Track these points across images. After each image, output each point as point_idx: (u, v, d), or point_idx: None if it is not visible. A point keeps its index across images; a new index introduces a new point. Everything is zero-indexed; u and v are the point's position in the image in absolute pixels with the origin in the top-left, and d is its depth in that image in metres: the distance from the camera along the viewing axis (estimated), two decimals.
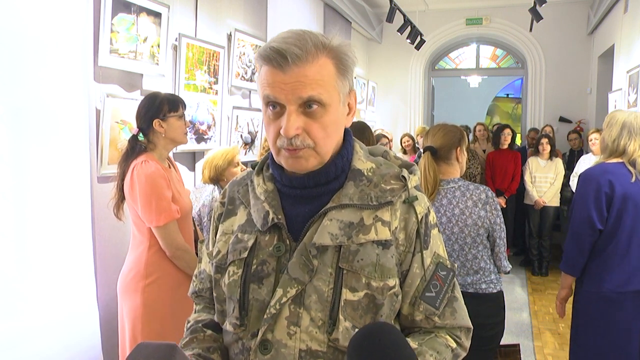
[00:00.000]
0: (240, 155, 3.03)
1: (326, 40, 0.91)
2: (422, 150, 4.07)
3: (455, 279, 1.01)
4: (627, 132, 2.19)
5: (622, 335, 2.17)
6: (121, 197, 2.13)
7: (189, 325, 1.08)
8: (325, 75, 0.89)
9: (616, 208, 2.16)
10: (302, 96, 0.87)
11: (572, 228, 2.28)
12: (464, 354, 1.00)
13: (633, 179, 2.14)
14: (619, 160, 2.21)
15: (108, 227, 2.50)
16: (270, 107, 0.91)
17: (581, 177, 2.31)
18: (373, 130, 6.47)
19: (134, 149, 2.10)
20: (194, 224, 2.42)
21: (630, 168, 2.17)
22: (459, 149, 2.10)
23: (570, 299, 2.40)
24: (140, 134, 2.11)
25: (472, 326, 1.02)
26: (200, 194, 2.76)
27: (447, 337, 0.98)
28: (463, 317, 1.00)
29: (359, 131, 2.56)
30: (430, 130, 2.17)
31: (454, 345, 0.98)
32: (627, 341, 2.17)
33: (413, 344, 0.93)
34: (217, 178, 2.78)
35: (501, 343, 2.15)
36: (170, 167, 2.23)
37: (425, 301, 0.96)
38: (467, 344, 1.01)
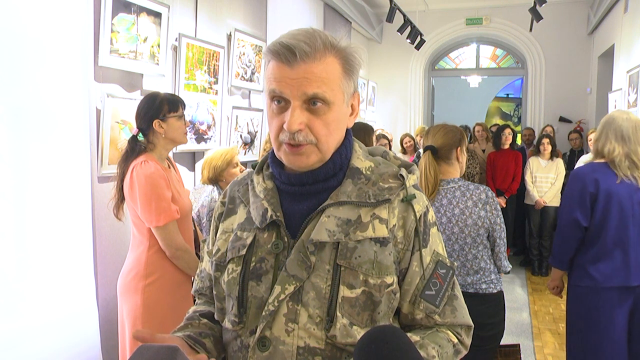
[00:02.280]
0: (239, 155, 3.03)
1: (335, 41, 0.92)
2: (421, 150, 4.07)
3: (455, 277, 1.01)
4: (604, 135, 2.27)
5: (608, 329, 2.24)
6: (121, 198, 2.13)
7: (187, 315, 1.09)
8: (331, 74, 0.91)
9: (601, 206, 2.22)
10: (307, 92, 0.89)
11: (559, 224, 2.38)
12: (464, 352, 1.01)
13: (618, 180, 2.21)
14: (604, 160, 2.28)
15: (108, 227, 2.51)
16: (275, 102, 0.92)
17: (570, 176, 2.40)
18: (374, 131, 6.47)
19: (134, 149, 2.10)
20: (194, 224, 2.42)
21: (614, 169, 2.23)
22: (459, 148, 2.10)
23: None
24: (140, 134, 2.11)
25: (472, 324, 1.02)
26: (199, 194, 2.76)
27: (449, 332, 0.98)
28: (463, 315, 1.01)
29: (361, 132, 2.55)
30: (431, 129, 2.17)
31: (455, 340, 0.98)
32: (612, 335, 2.23)
33: (415, 337, 0.94)
34: (216, 179, 2.78)
35: (501, 343, 2.15)
36: (169, 167, 2.23)
37: (426, 299, 0.96)
38: (468, 341, 1.01)
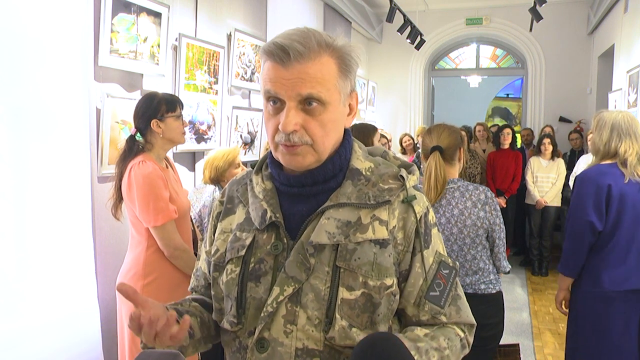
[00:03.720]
0: (239, 155, 3.02)
1: (330, 40, 0.91)
2: (420, 150, 4.06)
3: (457, 277, 1.01)
4: (616, 134, 2.22)
5: (619, 334, 2.19)
6: (119, 197, 2.13)
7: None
8: (326, 74, 0.90)
9: (615, 209, 2.17)
10: (302, 93, 0.88)
11: (571, 230, 2.28)
12: (468, 349, 1.01)
13: (626, 180, 2.17)
14: (613, 161, 2.24)
15: (108, 226, 2.51)
16: (271, 102, 0.92)
17: (578, 179, 2.33)
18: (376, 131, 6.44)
19: (132, 149, 2.10)
20: (193, 224, 2.42)
21: (623, 169, 2.19)
22: (462, 149, 2.10)
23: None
24: (138, 134, 2.11)
25: (475, 322, 1.02)
26: (200, 194, 2.75)
27: (455, 327, 0.99)
28: (467, 314, 1.01)
29: (365, 133, 2.54)
30: (434, 129, 2.13)
31: (462, 334, 0.99)
32: (624, 340, 2.19)
33: (425, 330, 0.94)
34: (217, 179, 2.78)
35: (501, 343, 2.15)
36: (167, 167, 2.23)
37: (431, 301, 0.96)
38: (471, 339, 1.02)
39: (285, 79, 0.88)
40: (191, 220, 2.35)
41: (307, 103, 0.89)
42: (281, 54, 0.87)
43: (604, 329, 2.21)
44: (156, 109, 2.10)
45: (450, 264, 1.00)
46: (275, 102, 0.91)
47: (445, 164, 2.06)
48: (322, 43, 0.90)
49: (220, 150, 2.88)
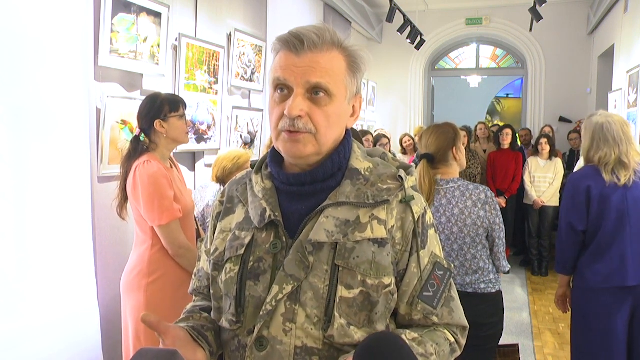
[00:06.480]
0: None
1: (342, 39, 0.95)
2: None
3: (452, 279, 1.02)
4: (595, 143, 2.28)
5: (606, 330, 2.25)
6: (124, 197, 2.14)
7: (186, 310, 1.10)
8: (336, 67, 0.93)
9: (595, 209, 2.26)
10: (310, 81, 0.90)
11: (559, 230, 2.42)
12: (459, 352, 1.02)
13: (607, 183, 2.24)
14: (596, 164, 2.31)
15: (108, 227, 2.51)
16: (278, 91, 0.93)
17: (567, 180, 2.45)
18: (373, 131, 6.46)
19: (136, 149, 2.11)
20: (197, 222, 2.42)
21: (604, 174, 2.25)
22: (454, 148, 2.10)
23: None
24: (142, 135, 2.13)
25: (467, 325, 1.03)
26: (205, 193, 2.75)
27: (445, 331, 0.99)
28: (460, 316, 1.02)
29: (355, 136, 2.55)
30: (424, 134, 2.16)
31: (452, 339, 0.99)
32: (610, 336, 2.24)
33: (414, 334, 0.94)
34: (223, 179, 2.78)
35: (501, 343, 2.16)
36: (172, 167, 2.24)
37: (423, 301, 0.97)
38: (463, 342, 1.02)
39: (296, 66, 0.90)
40: (195, 220, 2.36)
41: (314, 92, 0.91)
42: (296, 42, 0.90)
43: (593, 324, 2.28)
44: (159, 109, 2.12)
45: (445, 266, 1.01)
46: (283, 90, 0.92)
47: (440, 166, 2.09)
48: (335, 40, 0.94)
49: (232, 151, 2.87)
